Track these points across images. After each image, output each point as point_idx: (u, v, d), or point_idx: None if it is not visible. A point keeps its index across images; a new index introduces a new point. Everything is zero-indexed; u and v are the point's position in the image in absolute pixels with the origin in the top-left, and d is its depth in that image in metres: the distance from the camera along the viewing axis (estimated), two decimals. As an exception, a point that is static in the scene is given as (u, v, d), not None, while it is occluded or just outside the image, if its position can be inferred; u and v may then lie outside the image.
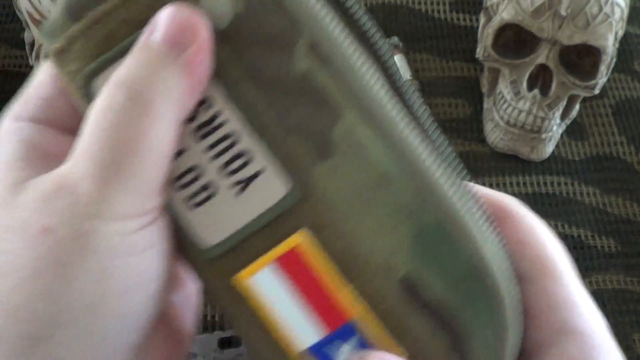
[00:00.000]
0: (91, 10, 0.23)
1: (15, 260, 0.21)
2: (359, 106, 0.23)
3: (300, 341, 0.23)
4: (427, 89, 0.68)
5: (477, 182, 0.64)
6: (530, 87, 0.62)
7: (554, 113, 0.62)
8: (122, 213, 0.21)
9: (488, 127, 0.65)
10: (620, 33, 0.62)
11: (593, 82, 0.61)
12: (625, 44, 0.71)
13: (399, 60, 0.69)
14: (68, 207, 0.21)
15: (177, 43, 0.22)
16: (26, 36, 0.59)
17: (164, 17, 0.22)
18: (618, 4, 0.60)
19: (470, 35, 0.71)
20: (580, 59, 0.62)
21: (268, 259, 0.23)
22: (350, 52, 0.23)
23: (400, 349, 0.23)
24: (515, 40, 0.63)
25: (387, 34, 0.71)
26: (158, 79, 0.22)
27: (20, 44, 0.65)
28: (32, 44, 0.57)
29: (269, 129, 0.23)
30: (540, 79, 0.62)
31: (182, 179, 0.23)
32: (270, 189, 0.23)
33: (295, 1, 0.23)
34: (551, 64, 0.61)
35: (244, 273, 0.23)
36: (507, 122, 0.63)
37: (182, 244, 0.24)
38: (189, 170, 0.23)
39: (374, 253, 0.23)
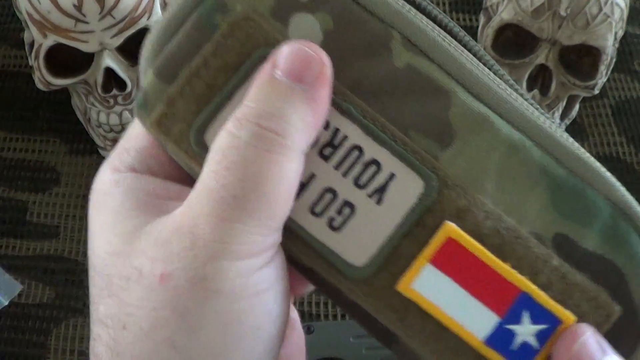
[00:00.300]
0: (184, 68, 0.23)
1: (137, 312, 0.20)
2: (467, 84, 0.24)
3: (479, 331, 0.23)
4: (427, 89, 0.68)
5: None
6: (530, 88, 0.62)
7: (553, 113, 0.62)
8: (245, 251, 0.21)
9: (488, 127, 0.65)
10: (620, 33, 0.62)
11: (593, 82, 0.61)
12: (625, 44, 0.71)
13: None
14: (186, 249, 0.20)
15: (303, 77, 0.22)
16: (26, 36, 0.59)
17: (287, 53, 0.22)
18: (618, 4, 0.60)
19: (470, 35, 0.71)
20: (580, 59, 0.62)
21: (423, 260, 0.23)
22: (440, 38, 0.24)
23: (567, 314, 0.23)
24: (515, 40, 0.63)
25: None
26: (285, 113, 0.21)
27: (20, 44, 0.65)
28: (32, 44, 0.57)
29: (387, 134, 0.23)
30: (539, 79, 0.62)
31: (318, 205, 0.23)
32: (406, 191, 0.23)
33: (377, 3, 0.24)
34: (551, 64, 0.61)
35: (404, 281, 0.23)
36: (507, 122, 0.63)
37: (325, 274, 0.24)
38: (323, 194, 0.23)
39: (521, 222, 0.23)
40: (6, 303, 0.53)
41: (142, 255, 0.21)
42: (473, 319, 0.23)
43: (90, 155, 0.63)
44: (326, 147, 0.23)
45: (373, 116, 0.23)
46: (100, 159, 0.63)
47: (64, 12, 0.53)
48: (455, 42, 0.25)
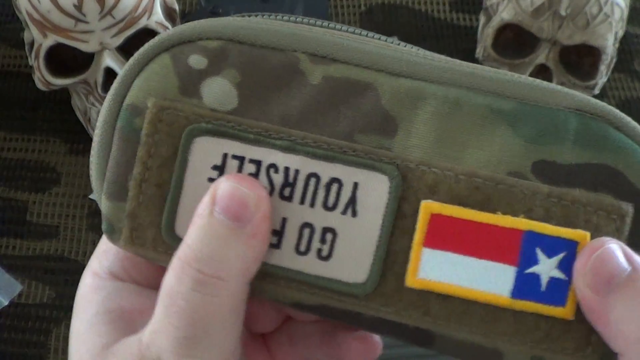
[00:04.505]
0: (129, 180, 0.24)
1: None
2: (384, 68, 0.24)
3: (502, 290, 0.23)
4: (427, 89, 0.68)
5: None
6: (530, 87, 0.62)
7: (553, 113, 0.62)
8: None
9: (488, 127, 0.65)
10: (620, 33, 0.62)
11: (593, 82, 0.61)
12: (625, 44, 0.70)
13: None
14: None
15: (241, 216, 0.22)
16: (26, 36, 0.59)
17: (223, 191, 0.23)
18: (618, 4, 0.60)
19: (470, 35, 0.71)
20: (580, 59, 0.62)
21: (418, 247, 0.23)
22: (340, 39, 0.24)
23: (578, 233, 0.22)
24: (515, 40, 0.63)
25: (387, 34, 0.71)
26: (225, 256, 0.22)
27: (20, 44, 0.65)
28: (32, 44, 0.57)
29: (334, 148, 0.23)
30: (540, 79, 0.62)
31: (301, 244, 0.24)
32: (375, 192, 0.23)
33: (271, 37, 0.24)
34: (551, 64, 0.61)
35: (410, 275, 0.23)
36: (507, 122, 0.63)
37: (337, 304, 0.24)
38: (301, 231, 0.24)
39: (496, 167, 0.23)
40: (6, 303, 0.53)
41: None
42: (490, 280, 0.23)
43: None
44: (284, 188, 0.24)
45: (314, 139, 0.24)
46: (100, 159, 0.63)
47: (64, 11, 0.53)
48: (355, 36, 0.25)
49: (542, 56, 0.61)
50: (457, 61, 0.25)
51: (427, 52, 0.25)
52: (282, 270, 0.24)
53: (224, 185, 0.23)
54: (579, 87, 0.62)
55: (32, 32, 0.56)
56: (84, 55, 0.56)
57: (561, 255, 0.22)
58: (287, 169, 0.24)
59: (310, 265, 0.24)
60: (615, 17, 0.59)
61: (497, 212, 0.23)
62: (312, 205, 0.24)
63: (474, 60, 0.69)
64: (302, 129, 0.24)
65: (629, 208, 0.23)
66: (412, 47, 0.25)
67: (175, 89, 0.24)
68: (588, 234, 0.22)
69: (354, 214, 0.23)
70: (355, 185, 0.23)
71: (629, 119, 0.24)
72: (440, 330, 0.24)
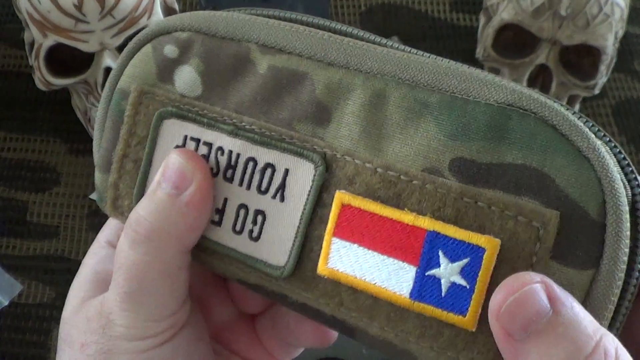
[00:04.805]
0: (114, 155, 0.27)
1: None
2: (320, 57, 0.24)
3: (402, 288, 0.22)
4: (427, 89, 0.68)
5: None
6: (530, 87, 0.62)
7: (553, 113, 0.62)
8: (138, 335, 0.25)
9: (488, 127, 0.65)
10: (620, 33, 0.62)
11: (593, 82, 0.61)
12: (625, 44, 0.71)
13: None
14: (101, 327, 0.26)
15: (180, 186, 0.25)
16: (26, 36, 0.59)
17: (168, 163, 0.25)
18: (618, 4, 0.60)
19: (470, 35, 0.71)
20: (580, 59, 0.62)
21: (328, 236, 0.23)
22: (288, 27, 0.25)
23: (486, 239, 0.21)
24: (515, 40, 0.63)
25: (387, 34, 0.71)
26: (157, 219, 0.25)
27: (20, 44, 0.65)
28: (32, 44, 0.57)
29: (274, 135, 0.24)
30: (540, 79, 0.62)
31: (237, 224, 0.25)
32: (301, 179, 0.24)
33: (227, 27, 0.26)
34: (551, 64, 0.61)
35: (321, 262, 0.23)
36: (507, 122, 0.63)
37: (266, 284, 0.25)
38: (238, 211, 0.25)
39: (413, 162, 0.22)
40: (6, 303, 0.53)
41: (76, 325, 0.26)
42: (392, 277, 0.22)
43: (90, 155, 0.63)
44: (227, 169, 0.25)
45: (260, 125, 0.25)
46: (100, 159, 0.63)
47: (64, 11, 0.53)
48: (309, 28, 0.25)
49: (542, 56, 0.61)
50: (399, 50, 0.24)
51: (381, 40, 0.25)
52: (222, 247, 0.25)
53: (168, 157, 0.25)
54: (579, 87, 0.62)
55: (32, 32, 0.56)
56: (84, 55, 0.56)
57: (465, 261, 0.21)
58: (230, 152, 0.25)
59: (243, 244, 0.25)
60: (615, 17, 0.59)
61: (405, 208, 0.22)
62: (249, 187, 0.25)
63: (474, 60, 0.69)
64: (252, 116, 0.25)
65: (554, 216, 0.20)
66: (374, 37, 0.25)
67: (154, 76, 0.27)
68: (498, 242, 0.20)
69: (282, 199, 0.24)
70: (286, 171, 0.24)
71: (570, 116, 0.21)
72: (355, 323, 0.23)
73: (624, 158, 0.21)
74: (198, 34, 0.26)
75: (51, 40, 0.55)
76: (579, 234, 0.20)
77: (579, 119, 0.21)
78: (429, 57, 0.24)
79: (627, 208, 0.20)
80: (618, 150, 0.21)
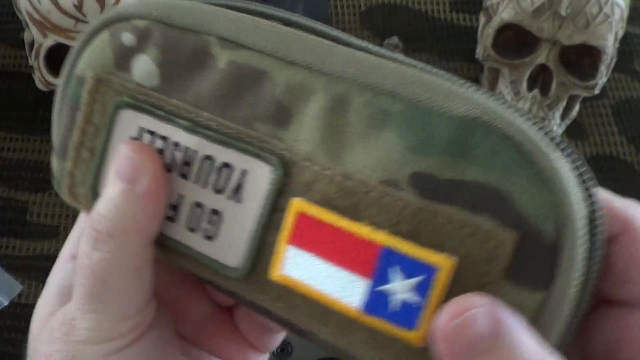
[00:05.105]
0: (70, 143, 0.26)
1: None
2: (281, 56, 0.23)
3: (353, 300, 0.22)
4: (427, 89, 0.68)
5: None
6: (530, 87, 0.62)
7: (554, 113, 0.62)
8: (103, 337, 0.25)
9: (488, 127, 0.65)
10: (620, 33, 0.62)
11: (593, 82, 0.61)
12: (625, 44, 0.71)
13: (399, 60, 0.69)
14: (64, 336, 0.25)
15: (133, 179, 0.24)
16: (26, 36, 0.59)
17: (119, 155, 0.25)
18: (618, 4, 0.60)
19: (470, 35, 0.71)
20: (580, 59, 0.62)
21: (283, 242, 0.23)
22: (251, 22, 0.24)
23: (441, 257, 0.20)
24: (515, 40, 0.63)
25: (387, 34, 0.71)
26: (115, 214, 0.24)
27: (20, 44, 0.65)
28: (32, 44, 0.57)
29: (232, 134, 0.24)
30: (540, 79, 0.62)
31: (192, 222, 0.25)
32: (258, 182, 0.23)
33: (186, 18, 0.25)
34: (551, 64, 0.61)
35: (273, 268, 0.23)
36: (507, 122, 0.63)
37: (221, 283, 0.24)
38: (193, 209, 0.24)
39: (373, 173, 0.21)
40: (6, 303, 0.53)
41: (42, 339, 0.26)
42: (344, 289, 0.21)
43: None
44: (184, 166, 0.24)
45: (218, 122, 0.24)
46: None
47: (64, 12, 0.53)
48: (272, 24, 0.24)
49: (542, 56, 0.61)
50: (369, 52, 0.23)
51: (349, 39, 0.24)
52: (177, 244, 0.25)
53: (119, 151, 0.25)
54: (579, 87, 0.62)
55: (32, 32, 0.56)
56: (84, 55, 0.56)
57: (418, 279, 0.20)
58: (187, 149, 0.24)
59: (198, 242, 0.24)
60: (615, 17, 0.59)
61: (363, 220, 0.21)
62: (205, 186, 0.24)
63: (474, 60, 0.69)
64: (211, 112, 0.24)
65: (509, 237, 0.20)
66: (340, 34, 0.24)
67: (111, 63, 0.26)
68: (452, 261, 0.20)
69: (239, 200, 0.24)
70: (244, 172, 0.23)
71: (533, 136, 0.20)
72: (306, 327, 0.23)
73: (590, 178, 0.21)
74: (156, 23, 0.25)
75: (51, 40, 0.55)
76: (534, 256, 0.20)
77: (545, 134, 0.21)
78: (397, 61, 0.23)
79: (583, 232, 0.20)
80: (584, 168, 0.21)
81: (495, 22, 0.62)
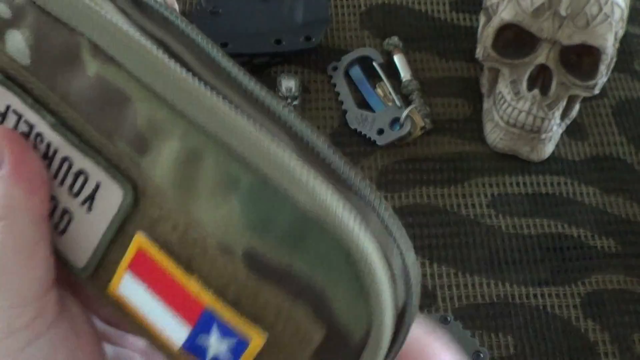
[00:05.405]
0: None
1: None
2: (149, 87, 0.22)
3: (175, 339, 0.23)
4: (427, 89, 0.68)
5: (477, 182, 0.64)
6: (530, 87, 0.62)
7: (553, 113, 0.62)
8: (6, 329, 0.23)
9: (488, 127, 0.65)
10: (620, 33, 0.62)
11: (593, 82, 0.61)
12: (625, 44, 0.71)
13: (398, 60, 0.69)
14: None
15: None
16: (26, 36, 0.59)
17: None
18: (618, 4, 0.60)
19: (470, 35, 0.71)
20: (580, 59, 0.62)
21: (124, 265, 0.23)
22: (126, 36, 0.22)
23: (255, 330, 0.21)
24: (515, 40, 0.63)
25: (387, 34, 0.71)
26: None
27: (20, 44, 0.65)
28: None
29: (93, 143, 0.23)
30: (540, 79, 0.62)
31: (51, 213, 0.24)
32: (109, 200, 0.23)
33: (62, 9, 0.23)
34: (551, 64, 0.61)
35: (112, 285, 0.23)
36: (507, 122, 0.63)
37: (69, 273, 0.25)
38: (50, 201, 0.24)
39: (213, 234, 0.22)
40: None
41: None
42: (170, 326, 0.23)
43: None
44: (44, 159, 0.24)
45: (81, 126, 0.23)
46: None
47: (64, 12, 0.53)
48: (147, 43, 0.23)
49: (542, 56, 0.61)
50: (228, 108, 0.22)
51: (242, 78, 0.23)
52: None
53: None
54: (579, 87, 0.62)
55: (32, 32, 0.56)
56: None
57: (233, 341, 0.22)
58: (49, 145, 0.24)
59: (53, 234, 0.24)
60: (615, 17, 0.60)
61: (195, 274, 0.22)
62: (61, 184, 0.24)
63: (474, 60, 0.69)
64: (77, 112, 0.23)
65: (317, 333, 0.21)
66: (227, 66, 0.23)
67: None
68: (263, 338, 0.21)
69: (89, 209, 0.23)
70: (98, 185, 0.23)
71: (363, 245, 0.20)
72: (140, 337, 0.24)
73: (419, 274, 0.23)
74: (32, 5, 0.24)
75: (51, 40, 0.55)
76: (338, 354, 0.22)
77: (385, 227, 0.22)
78: (271, 116, 0.22)
79: (386, 344, 0.22)
80: (412, 281, 0.22)
81: (495, 22, 0.62)
